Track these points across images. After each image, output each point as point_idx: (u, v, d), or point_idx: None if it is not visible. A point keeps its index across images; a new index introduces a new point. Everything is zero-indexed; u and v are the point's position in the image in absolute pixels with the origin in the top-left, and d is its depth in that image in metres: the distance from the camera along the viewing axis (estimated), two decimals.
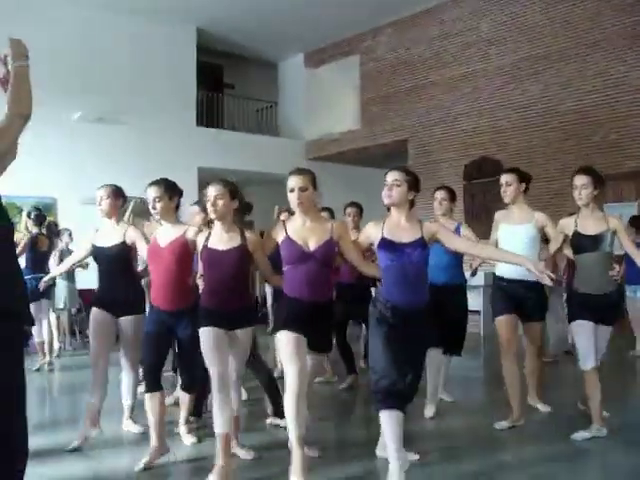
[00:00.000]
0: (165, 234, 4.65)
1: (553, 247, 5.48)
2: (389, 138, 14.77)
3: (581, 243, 5.17)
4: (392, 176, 4.14)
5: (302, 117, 16.48)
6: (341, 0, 13.35)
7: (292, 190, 4.20)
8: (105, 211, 5.22)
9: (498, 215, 5.74)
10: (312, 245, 4.18)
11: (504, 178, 5.59)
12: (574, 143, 11.49)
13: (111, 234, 5.21)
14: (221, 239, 4.34)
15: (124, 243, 5.14)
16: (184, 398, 5.21)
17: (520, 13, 12.60)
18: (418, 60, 14.32)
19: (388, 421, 3.99)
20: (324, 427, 5.61)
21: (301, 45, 16.19)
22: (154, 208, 4.58)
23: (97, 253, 5.27)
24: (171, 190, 4.66)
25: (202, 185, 14.34)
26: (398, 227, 4.15)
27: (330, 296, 4.40)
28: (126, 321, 5.18)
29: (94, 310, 5.24)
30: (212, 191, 4.27)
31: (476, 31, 13.28)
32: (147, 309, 4.97)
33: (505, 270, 5.42)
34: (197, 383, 5.16)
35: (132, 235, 5.15)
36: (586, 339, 5.11)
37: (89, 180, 12.11)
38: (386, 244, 4.10)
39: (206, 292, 4.37)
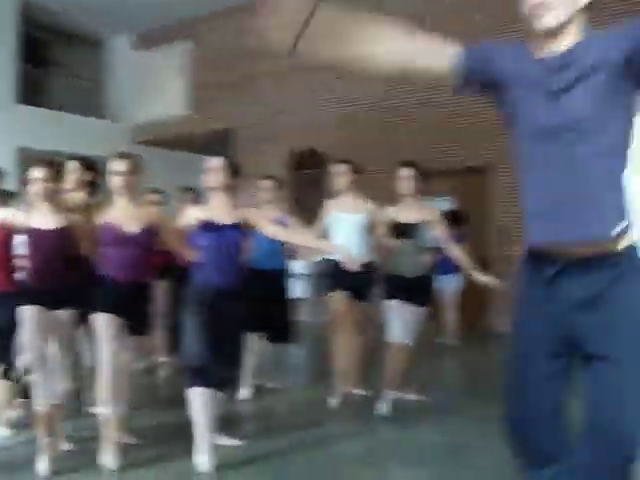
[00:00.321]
0: None
1: (379, 233, 5.83)
2: (217, 125, 14.74)
3: (399, 230, 5.58)
4: (214, 162, 4.36)
5: (130, 100, 16.10)
6: None
7: (115, 174, 4.26)
8: None
9: (329, 204, 5.99)
10: (131, 228, 4.25)
11: (338, 168, 5.90)
12: (395, 139, 11.98)
13: None
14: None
15: None
16: None
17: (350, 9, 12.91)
18: (250, 49, 14.35)
19: (196, 399, 4.15)
20: (144, 413, 5.61)
21: (131, 25, 15.78)
22: None
23: None
24: None
25: (22, 166, 13.76)
26: (218, 211, 4.34)
27: (147, 279, 4.49)
28: None
29: None
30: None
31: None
32: None
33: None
34: None
35: None
36: (397, 317, 5.53)
37: None
38: (206, 225, 4.26)
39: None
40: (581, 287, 2.12)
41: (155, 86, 15.64)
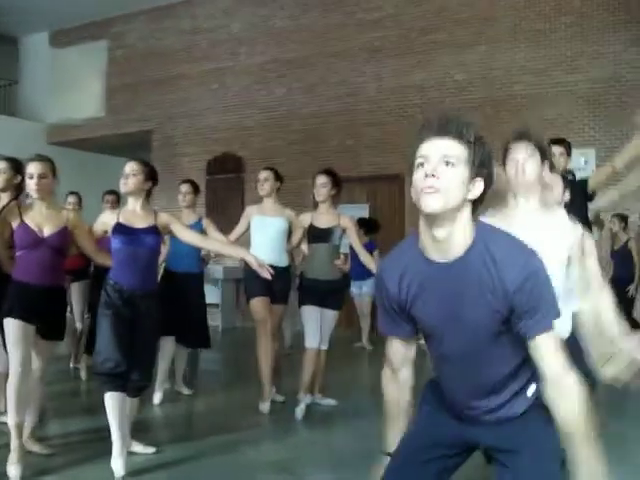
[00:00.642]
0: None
1: (296, 238, 5.99)
2: (134, 128, 14.54)
3: (315, 234, 5.75)
4: (130, 166, 4.34)
5: (44, 99, 15.71)
6: None
7: (31, 177, 4.21)
8: None
9: (250, 209, 6.13)
10: (47, 231, 4.19)
11: (263, 174, 6.08)
12: (314, 145, 12.07)
13: None
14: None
15: None
16: None
17: (270, 16, 13.00)
18: (168, 51, 14.25)
19: (111, 403, 4.11)
20: (59, 420, 5.51)
21: (47, 22, 15.41)
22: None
23: None
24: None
25: None
26: (134, 214, 4.34)
27: (62, 282, 4.43)
28: None
29: None
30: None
31: (227, 29, 13.49)
32: None
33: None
34: None
35: None
36: (312, 322, 5.66)
37: None
38: (121, 228, 4.24)
39: None
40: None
41: (70, 85, 15.31)
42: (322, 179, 5.77)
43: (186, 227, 4.74)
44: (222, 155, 13.17)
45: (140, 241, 4.22)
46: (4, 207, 4.45)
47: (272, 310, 5.90)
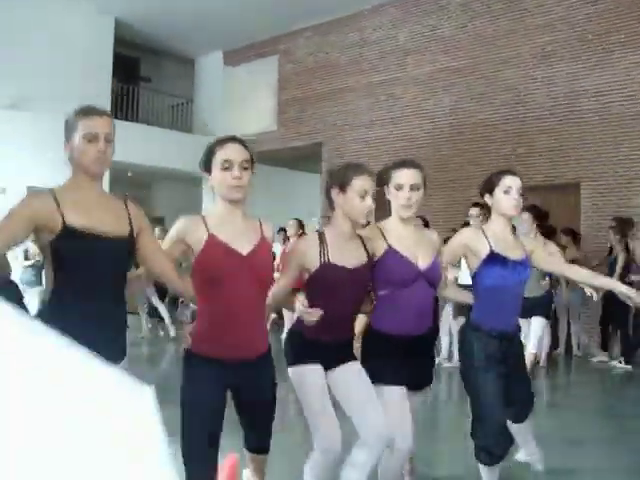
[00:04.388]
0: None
1: None
2: (304, 140, 14.82)
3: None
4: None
5: (218, 115, 16.35)
6: (262, 0, 13.35)
7: (402, 187, 3.48)
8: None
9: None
10: (422, 261, 3.38)
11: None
12: (483, 154, 11.81)
13: None
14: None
15: None
16: None
17: (437, 26, 12.87)
18: (336, 65, 14.44)
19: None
20: None
21: (220, 43, 16.09)
22: None
23: None
24: None
25: (113, 177, 14.12)
26: (505, 242, 3.60)
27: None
28: None
29: None
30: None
31: (394, 40, 13.49)
32: None
33: None
34: None
35: None
36: None
37: None
38: (498, 259, 3.52)
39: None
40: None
41: (242, 101, 15.82)
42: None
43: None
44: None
45: (517, 274, 3.55)
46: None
47: None
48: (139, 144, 14.34)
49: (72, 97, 13.41)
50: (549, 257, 4.24)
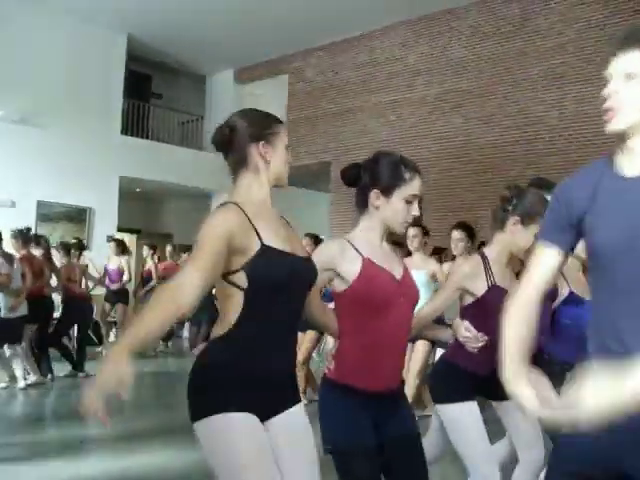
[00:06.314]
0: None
1: None
2: (313, 159, 14.85)
3: None
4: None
5: None
6: (274, 20, 13.43)
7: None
8: None
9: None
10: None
11: (412, 231, 6.40)
12: (492, 176, 11.82)
13: None
14: None
15: None
16: None
17: (447, 47, 12.93)
18: (346, 84, 14.50)
19: None
20: None
21: (232, 61, 16.20)
22: None
23: None
24: None
25: (123, 194, 14.20)
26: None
27: None
28: None
29: None
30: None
31: (403, 61, 13.55)
32: None
33: None
34: None
35: None
36: None
37: (5, 182, 11.87)
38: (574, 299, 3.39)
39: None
40: None
41: None
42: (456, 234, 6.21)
43: None
44: None
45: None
46: None
47: None
48: (150, 160, 14.42)
49: (83, 113, 13.62)
50: None
